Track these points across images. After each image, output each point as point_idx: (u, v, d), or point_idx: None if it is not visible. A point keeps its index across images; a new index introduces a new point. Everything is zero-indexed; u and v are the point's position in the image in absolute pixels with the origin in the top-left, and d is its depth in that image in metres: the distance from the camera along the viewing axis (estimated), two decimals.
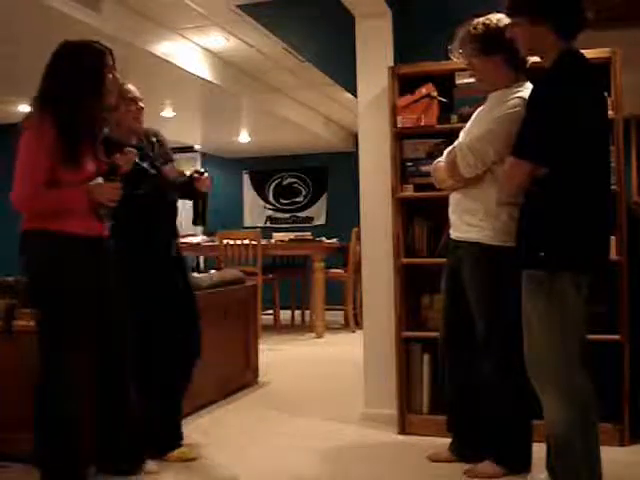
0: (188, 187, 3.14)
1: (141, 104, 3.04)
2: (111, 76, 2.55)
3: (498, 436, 2.76)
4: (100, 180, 2.56)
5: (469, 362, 2.85)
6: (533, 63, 2.64)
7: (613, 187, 2.95)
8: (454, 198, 2.83)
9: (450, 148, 2.82)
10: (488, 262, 2.69)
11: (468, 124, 2.86)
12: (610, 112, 2.80)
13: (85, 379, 2.52)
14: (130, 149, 2.80)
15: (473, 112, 2.90)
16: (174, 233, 3.15)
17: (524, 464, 2.71)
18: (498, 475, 2.71)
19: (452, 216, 2.85)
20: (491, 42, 2.64)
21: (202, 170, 3.18)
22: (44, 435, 2.48)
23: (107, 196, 2.54)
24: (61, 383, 2.46)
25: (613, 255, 2.95)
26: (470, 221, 2.73)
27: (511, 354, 2.61)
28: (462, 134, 2.84)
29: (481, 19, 2.69)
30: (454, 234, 2.84)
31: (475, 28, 2.69)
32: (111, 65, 2.54)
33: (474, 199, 2.72)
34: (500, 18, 2.63)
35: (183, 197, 3.22)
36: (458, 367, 2.89)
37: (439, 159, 2.89)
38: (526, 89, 2.62)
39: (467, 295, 2.76)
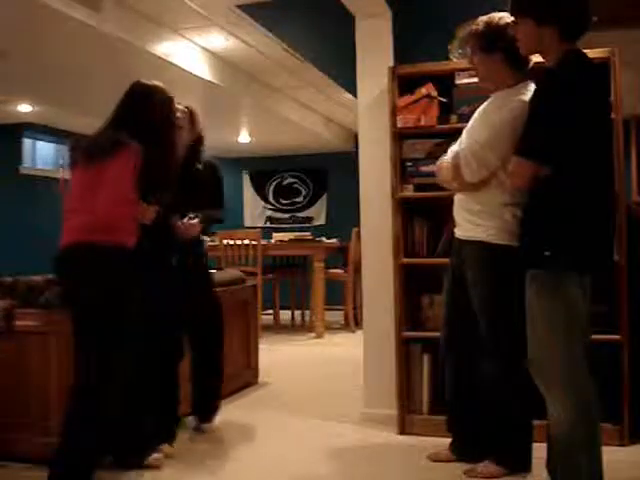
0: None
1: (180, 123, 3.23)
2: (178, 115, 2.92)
3: (498, 436, 2.76)
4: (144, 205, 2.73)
5: (469, 362, 2.85)
6: (535, 63, 2.64)
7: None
8: (458, 198, 2.83)
9: (454, 148, 2.82)
10: (492, 261, 2.69)
11: (471, 123, 2.84)
12: (610, 112, 2.80)
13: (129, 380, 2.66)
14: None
15: (474, 111, 2.90)
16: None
17: (524, 464, 2.71)
18: (498, 475, 2.71)
19: (456, 215, 2.85)
20: (492, 40, 2.65)
21: (192, 216, 3.31)
22: (82, 434, 2.53)
23: (148, 217, 2.74)
24: (117, 385, 2.58)
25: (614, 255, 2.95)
26: (474, 220, 2.73)
27: (514, 354, 2.62)
28: (465, 133, 2.84)
29: (483, 17, 2.70)
30: (458, 233, 2.84)
31: (477, 26, 2.69)
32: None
33: (478, 199, 2.72)
34: (502, 16, 2.64)
35: None
36: (458, 367, 2.89)
37: (443, 158, 2.87)
38: (529, 91, 2.61)
39: (470, 295, 2.76)
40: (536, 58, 2.54)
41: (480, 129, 2.72)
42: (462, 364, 2.88)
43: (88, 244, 2.55)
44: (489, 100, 2.79)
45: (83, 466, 2.54)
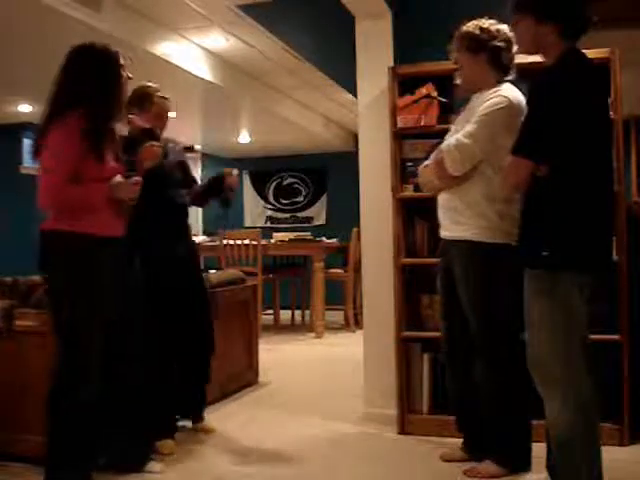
0: (217, 184, 3.45)
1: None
2: (125, 75, 2.64)
3: (497, 435, 2.76)
4: (119, 178, 2.60)
5: (467, 361, 2.85)
6: (533, 63, 2.65)
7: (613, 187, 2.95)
8: (442, 199, 2.87)
9: (437, 150, 2.87)
10: (478, 259, 2.73)
11: (452, 127, 2.92)
12: (610, 112, 2.81)
13: (96, 376, 2.57)
14: (154, 143, 2.89)
15: None
16: (179, 234, 3.23)
17: (524, 463, 2.71)
18: (498, 475, 2.71)
19: (441, 216, 2.90)
20: (479, 41, 2.75)
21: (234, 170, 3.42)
22: (58, 433, 2.51)
23: (127, 193, 2.59)
24: (77, 380, 2.51)
25: (613, 255, 2.95)
26: (459, 220, 2.77)
27: (503, 352, 2.68)
28: (448, 136, 2.89)
29: (474, 21, 2.80)
30: (443, 233, 2.89)
31: (467, 27, 2.79)
32: (123, 65, 2.64)
33: (461, 198, 2.76)
34: (492, 22, 2.77)
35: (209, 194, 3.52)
36: (457, 366, 2.90)
37: (425, 163, 2.93)
38: (505, 88, 2.73)
39: (459, 293, 2.79)
40: (532, 58, 2.55)
41: (462, 126, 2.77)
42: (460, 363, 2.88)
43: (45, 231, 2.53)
44: (471, 101, 2.86)
45: (71, 466, 2.51)
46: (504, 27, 2.75)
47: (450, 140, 2.75)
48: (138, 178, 2.62)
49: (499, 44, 2.73)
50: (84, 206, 2.51)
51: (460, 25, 2.81)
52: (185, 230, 3.38)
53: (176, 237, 3.27)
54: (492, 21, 2.77)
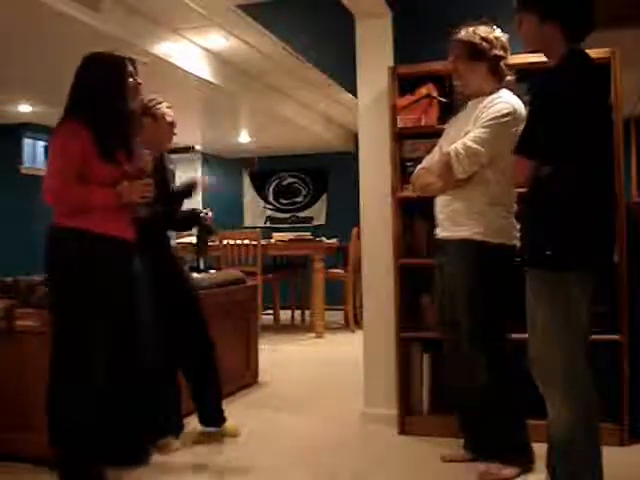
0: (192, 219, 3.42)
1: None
2: (131, 81, 2.68)
3: (498, 435, 2.77)
4: (127, 183, 2.62)
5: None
6: (533, 63, 2.66)
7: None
8: (442, 199, 2.89)
9: (432, 155, 2.91)
10: (474, 258, 2.75)
11: (448, 131, 2.95)
12: (611, 113, 2.81)
13: (102, 379, 2.57)
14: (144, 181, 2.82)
15: None
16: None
17: (529, 459, 2.74)
18: (511, 476, 2.71)
19: (440, 216, 2.92)
20: (479, 50, 2.77)
21: (205, 211, 3.39)
22: (60, 437, 2.52)
23: (139, 194, 2.61)
24: (77, 384, 2.51)
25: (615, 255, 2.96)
26: (458, 220, 2.80)
27: (494, 352, 2.73)
28: (442, 140, 2.92)
29: (473, 27, 2.82)
30: (441, 234, 2.91)
31: (466, 34, 2.81)
32: (131, 72, 2.69)
33: (462, 200, 2.79)
34: (489, 30, 2.80)
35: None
36: (456, 366, 2.90)
37: (419, 166, 2.96)
38: (505, 94, 2.78)
39: (449, 287, 2.84)
40: (532, 58, 2.56)
41: (465, 129, 2.79)
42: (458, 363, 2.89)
43: (51, 227, 2.59)
44: (467, 107, 2.89)
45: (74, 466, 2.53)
46: (500, 33, 2.81)
47: (457, 144, 2.75)
48: (149, 180, 2.66)
49: (498, 52, 2.77)
50: (90, 206, 2.55)
51: (458, 28, 2.83)
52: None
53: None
54: (488, 28, 2.80)
